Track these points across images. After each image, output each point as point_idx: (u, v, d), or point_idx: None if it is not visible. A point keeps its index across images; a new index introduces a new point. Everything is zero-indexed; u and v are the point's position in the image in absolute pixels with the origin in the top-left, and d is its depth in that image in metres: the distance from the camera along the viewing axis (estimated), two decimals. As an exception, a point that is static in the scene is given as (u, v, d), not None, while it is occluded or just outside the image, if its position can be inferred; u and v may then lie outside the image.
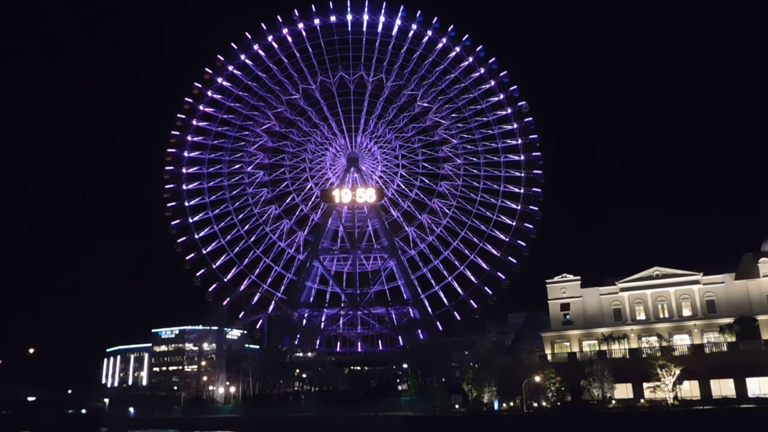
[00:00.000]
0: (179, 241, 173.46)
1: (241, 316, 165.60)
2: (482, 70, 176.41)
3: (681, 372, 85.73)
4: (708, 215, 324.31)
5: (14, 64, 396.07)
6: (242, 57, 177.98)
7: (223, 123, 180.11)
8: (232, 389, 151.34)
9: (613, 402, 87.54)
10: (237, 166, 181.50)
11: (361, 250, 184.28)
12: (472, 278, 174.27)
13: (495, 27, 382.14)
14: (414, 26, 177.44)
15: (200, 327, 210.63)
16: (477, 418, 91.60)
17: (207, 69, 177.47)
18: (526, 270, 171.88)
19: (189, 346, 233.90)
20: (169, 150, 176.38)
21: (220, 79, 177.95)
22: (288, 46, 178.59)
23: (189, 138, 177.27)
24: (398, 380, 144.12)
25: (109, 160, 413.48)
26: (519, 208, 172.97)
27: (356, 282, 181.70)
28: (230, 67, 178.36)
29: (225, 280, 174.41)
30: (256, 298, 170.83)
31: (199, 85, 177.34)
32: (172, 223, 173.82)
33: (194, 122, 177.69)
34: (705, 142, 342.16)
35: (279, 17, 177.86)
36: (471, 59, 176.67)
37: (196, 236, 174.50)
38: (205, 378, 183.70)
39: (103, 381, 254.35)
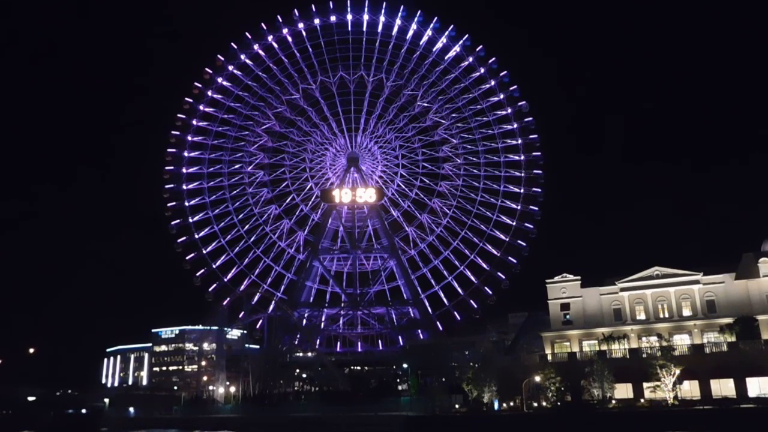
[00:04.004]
0: (179, 241, 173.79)
1: (241, 316, 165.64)
2: (482, 70, 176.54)
3: (681, 372, 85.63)
4: (708, 215, 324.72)
5: (12, 62, 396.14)
6: (242, 57, 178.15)
7: (223, 123, 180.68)
8: (232, 389, 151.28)
9: (613, 402, 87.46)
10: (237, 166, 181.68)
11: (361, 250, 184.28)
12: (472, 278, 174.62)
13: (495, 27, 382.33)
14: (414, 26, 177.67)
15: (200, 327, 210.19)
16: (477, 418, 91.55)
17: (207, 69, 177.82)
18: (526, 270, 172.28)
19: (189, 346, 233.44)
20: (169, 150, 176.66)
21: (220, 79, 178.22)
22: (288, 46, 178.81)
23: (189, 138, 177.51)
24: (398, 380, 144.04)
25: (109, 160, 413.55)
26: (519, 208, 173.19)
27: (356, 282, 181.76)
28: (230, 67, 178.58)
29: (225, 280, 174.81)
30: (256, 298, 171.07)
31: (199, 85, 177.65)
32: (172, 223, 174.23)
33: (194, 122, 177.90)
34: (705, 141, 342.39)
35: (279, 17, 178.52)
36: (471, 59, 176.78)
37: (196, 236, 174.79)
38: (205, 378, 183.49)
39: (103, 381, 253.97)
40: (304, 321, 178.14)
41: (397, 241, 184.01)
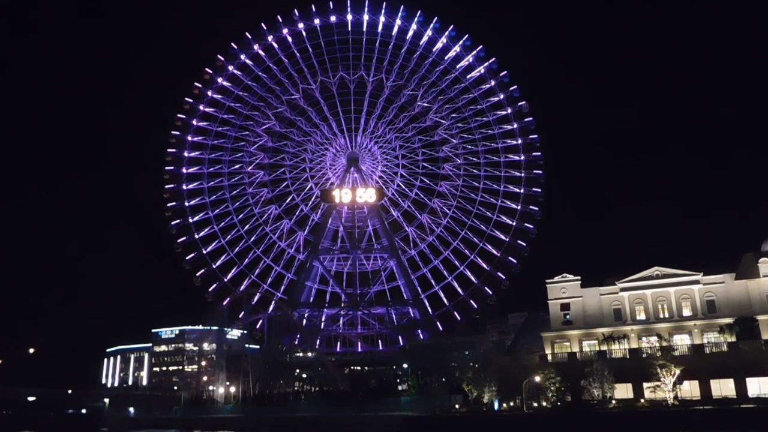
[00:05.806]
0: (179, 241, 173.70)
1: (241, 316, 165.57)
2: (482, 70, 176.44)
3: (681, 372, 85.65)
4: (708, 215, 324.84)
5: (12, 60, 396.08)
6: (242, 57, 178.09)
7: (224, 123, 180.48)
8: (232, 389, 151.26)
9: (613, 402, 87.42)
10: (237, 166, 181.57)
11: (361, 250, 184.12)
12: (472, 278, 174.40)
13: (496, 27, 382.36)
14: (414, 26, 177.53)
15: (200, 327, 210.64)
16: (477, 418, 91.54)
17: (207, 69, 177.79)
18: (526, 270, 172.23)
19: (189, 346, 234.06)
20: (169, 150, 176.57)
21: (220, 79, 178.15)
22: (288, 46, 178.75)
23: (189, 138, 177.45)
24: (398, 380, 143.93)
25: (109, 159, 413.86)
26: (519, 208, 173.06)
27: (356, 282, 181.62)
28: (230, 67, 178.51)
29: (225, 280, 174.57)
30: (256, 298, 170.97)
31: (199, 85, 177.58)
32: (172, 223, 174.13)
33: (194, 122, 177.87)
34: (705, 141, 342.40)
35: (279, 17, 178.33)
36: (471, 59, 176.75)
37: (196, 236, 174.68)
38: (205, 378, 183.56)
39: (103, 381, 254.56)
40: (304, 321, 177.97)
41: (397, 241, 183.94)
